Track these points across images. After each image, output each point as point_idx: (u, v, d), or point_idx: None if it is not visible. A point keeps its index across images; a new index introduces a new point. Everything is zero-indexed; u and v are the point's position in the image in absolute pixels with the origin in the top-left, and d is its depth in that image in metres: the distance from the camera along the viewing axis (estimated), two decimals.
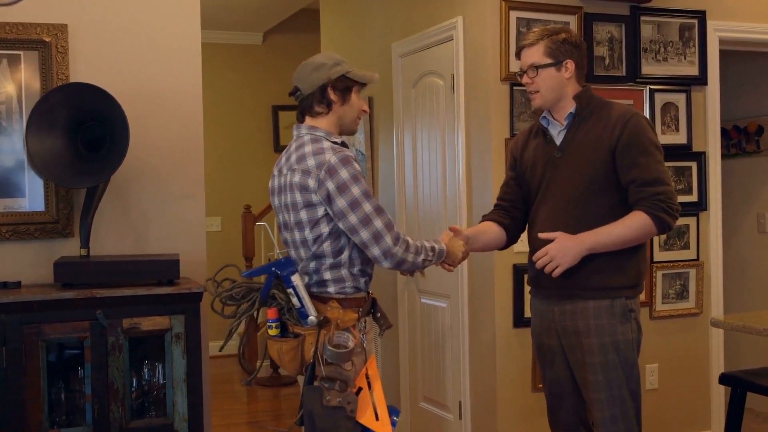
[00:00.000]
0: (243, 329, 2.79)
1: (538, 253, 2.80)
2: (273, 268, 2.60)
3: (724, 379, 3.56)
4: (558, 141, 2.89)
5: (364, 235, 2.55)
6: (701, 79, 4.38)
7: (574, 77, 2.86)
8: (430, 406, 4.63)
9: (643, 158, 2.75)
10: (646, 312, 4.29)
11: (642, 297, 4.22)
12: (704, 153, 4.41)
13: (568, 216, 2.82)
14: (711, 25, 4.40)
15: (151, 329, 3.05)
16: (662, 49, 4.29)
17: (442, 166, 4.44)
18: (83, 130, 3.18)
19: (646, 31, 4.25)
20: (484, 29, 4.00)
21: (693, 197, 4.39)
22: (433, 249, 2.69)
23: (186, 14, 3.55)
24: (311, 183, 2.56)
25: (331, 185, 2.54)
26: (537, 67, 2.84)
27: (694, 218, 4.39)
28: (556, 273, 2.76)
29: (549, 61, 2.83)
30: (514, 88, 3.96)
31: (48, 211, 3.34)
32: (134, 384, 3.11)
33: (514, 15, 3.95)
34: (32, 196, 3.33)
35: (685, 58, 4.34)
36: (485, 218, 3.12)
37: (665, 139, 4.28)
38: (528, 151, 3.00)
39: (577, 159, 2.83)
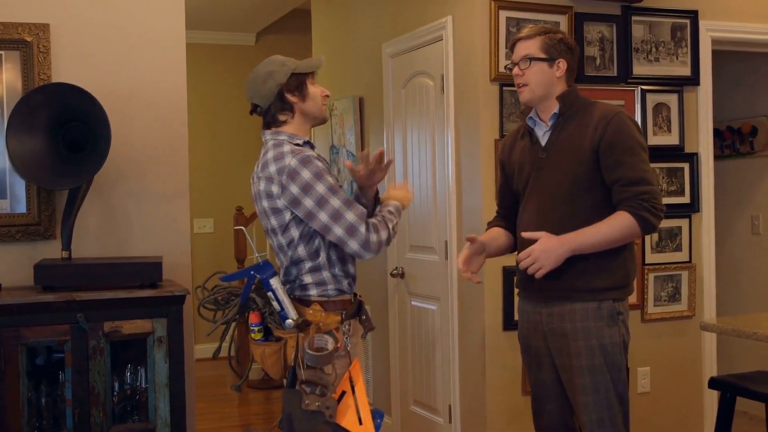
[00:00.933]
0: (236, 333, 2.77)
1: (521, 254, 2.76)
2: (252, 272, 2.58)
3: (713, 383, 3.52)
4: (543, 142, 2.86)
5: (338, 230, 2.51)
6: (693, 80, 4.34)
7: (564, 78, 2.84)
8: (420, 409, 4.59)
9: (627, 157, 2.71)
10: (638, 315, 4.25)
11: (633, 299, 4.21)
12: (696, 154, 4.37)
13: (554, 216, 2.78)
14: (703, 24, 4.36)
15: (132, 333, 3.01)
16: (654, 49, 4.25)
17: (431, 167, 4.40)
18: (65, 131, 3.14)
19: (638, 31, 4.21)
20: (473, 29, 3.96)
21: (685, 199, 4.34)
22: (391, 212, 2.65)
23: (170, 12, 3.51)
24: (275, 189, 2.54)
25: (295, 188, 2.51)
26: (531, 59, 2.81)
27: (687, 220, 4.35)
28: (539, 274, 2.71)
29: (543, 56, 2.81)
30: (504, 88, 3.92)
31: (30, 212, 3.29)
32: (116, 388, 3.07)
33: (503, 14, 3.91)
34: (14, 197, 3.28)
35: (677, 59, 4.30)
36: (490, 225, 3.11)
37: (657, 140, 4.24)
38: (515, 152, 2.97)
39: (561, 159, 2.80)
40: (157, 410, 3.04)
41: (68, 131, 3.15)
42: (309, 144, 2.66)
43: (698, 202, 4.38)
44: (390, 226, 2.59)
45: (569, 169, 2.77)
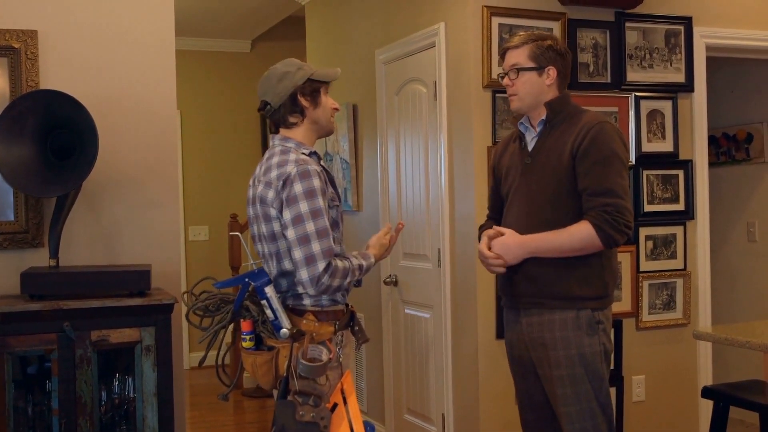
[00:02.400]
0: (229, 340, 2.73)
1: (481, 249, 2.78)
2: (246, 279, 2.54)
3: (706, 392, 3.49)
4: (530, 147, 2.86)
5: (298, 254, 2.47)
6: (688, 86, 4.32)
7: (555, 85, 2.82)
8: (413, 418, 4.56)
9: (599, 167, 2.69)
10: (632, 323, 4.22)
11: (627, 307, 4.19)
12: (691, 161, 4.35)
13: (535, 222, 2.77)
14: (697, 31, 4.34)
15: (120, 342, 2.98)
16: (648, 56, 4.23)
17: (424, 173, 4.38)
18: (52, 138, 3.11)
19: (632, 37, 4.19)
20: (466, 35, 3.94)
21: (680, 206, 4.32)
22: (360, 267, 2.60)
23: (159, 18, 3.48)
24: (270, 195, 2.52)
25: (283, 196, 2.49)
26: (519, 69, 2.80)
27: (681, 227, 4.32)
28: (496, 270, 2.77)
29: (532, 65, 2.80)
30: (497, 95, 3.90)
31: (17, 220, 3.26)
32: (103, 398, 3.04)
33: (496, 21, 3.89)
34: (1, 205, 3.25)
35: (671, 65, 4.28)
36: (483, 228, 3.07)
37: (651, 146, 4.22)
38: (505, 156, 2.97)
39: (545, 165, 2.79)
40: (145, 420, 3.00)
41: (56, 138, 3.11)
42: (315, 155, 2.64)
43: (693, 210, 4.36)
44: (347, 280, 2.54)
45: (552, 175, 2.76)
